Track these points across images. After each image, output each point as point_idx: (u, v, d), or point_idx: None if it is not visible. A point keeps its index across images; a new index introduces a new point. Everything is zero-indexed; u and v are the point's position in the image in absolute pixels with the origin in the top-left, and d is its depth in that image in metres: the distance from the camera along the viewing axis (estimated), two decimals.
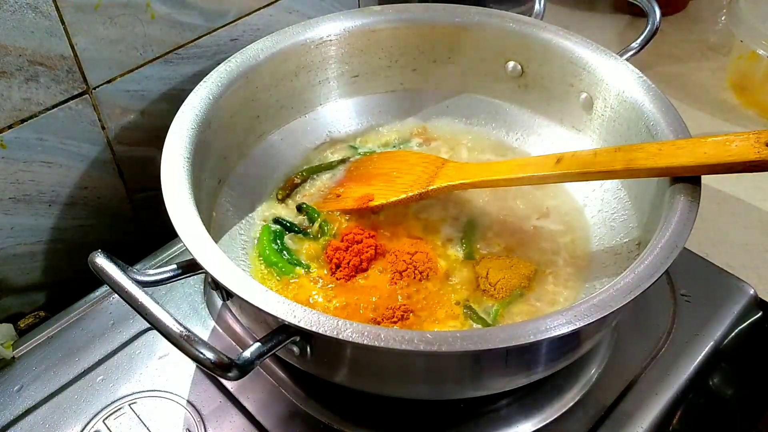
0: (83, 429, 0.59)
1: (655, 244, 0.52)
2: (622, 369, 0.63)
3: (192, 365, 0.63)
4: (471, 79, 0.81)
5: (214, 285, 0.55)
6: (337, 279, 0.65)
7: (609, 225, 0.69)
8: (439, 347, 0.45)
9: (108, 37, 0.66)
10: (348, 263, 0.65)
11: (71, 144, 0.68)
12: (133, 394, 0.61)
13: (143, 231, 0.80)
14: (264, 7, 0.78)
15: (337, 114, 0.81)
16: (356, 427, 0.59)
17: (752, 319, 0.69)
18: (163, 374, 0.63)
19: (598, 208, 0.71)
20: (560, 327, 0.47)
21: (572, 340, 0.54)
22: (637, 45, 0.74)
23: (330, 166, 0.77)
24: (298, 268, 0.66)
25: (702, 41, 1.15)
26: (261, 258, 0.67)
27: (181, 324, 0.45)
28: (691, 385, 0.62)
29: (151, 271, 0.52)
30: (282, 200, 0.73)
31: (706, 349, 0.65)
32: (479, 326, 0.61)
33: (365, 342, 0.46)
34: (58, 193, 0.70)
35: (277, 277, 0.65)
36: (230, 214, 0.69)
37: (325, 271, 0.66)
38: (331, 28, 0.76)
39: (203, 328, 0.67)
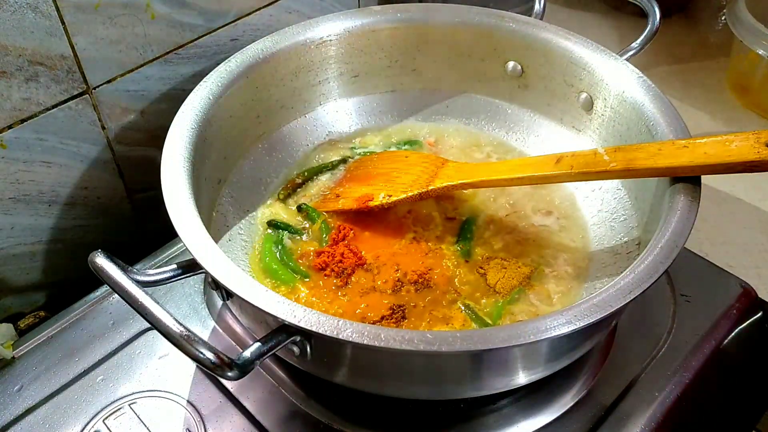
0: (83, 429, 0.59)
1: (655, 244, 0.52)
2: (622, 369, 0.63)
3: (192, 365, 0.63)
4: (471, 79, 0.81)
5: (214, 285, 0.55)
6: (336, 287, 0.65)
7: (609, 225, 0.69)
8: (439, 347, 0.45)
9: (108, 37, 0.66)
10: (342, 270, 0.65)
11: (71, 144, 0.68)
12: (133, 394, 0.61)
13: (143, 231, 0.80)
14: (264, 7, 0.78)
15: (337, 114, 0.81)
16: (356, 427, 0.59)
17: (752, 319, 0.69)
18: (163, 374, 0.63)
19: (598, 208, 0.71)
20: (560, 327, 0.47)
21: (572, 340, 0.54)
22: (637, 45, 0.74)
23: (330, 166, 0.77)
24: (298, 276, 0.65)
25: (702, 41, 1.15)
26: (262, 266, 0.66)
27: (181, 324, 0.45)
28: (691, 385, 0.62)
29: (151, 271, 0.53)
30: (282, 200, 0.73)
31: (706, 349, 0.65)
32: (479, 326, 0.61)
33: (365, 342, 0.46)
34: (58, 193, 0.70)
35: (277, 284, 0.65)
36: (230, 214, 0.69)
37: (321, 279, 0.65)
38: (331, 28, 0.76)
39: (203, 328, 0.67)
